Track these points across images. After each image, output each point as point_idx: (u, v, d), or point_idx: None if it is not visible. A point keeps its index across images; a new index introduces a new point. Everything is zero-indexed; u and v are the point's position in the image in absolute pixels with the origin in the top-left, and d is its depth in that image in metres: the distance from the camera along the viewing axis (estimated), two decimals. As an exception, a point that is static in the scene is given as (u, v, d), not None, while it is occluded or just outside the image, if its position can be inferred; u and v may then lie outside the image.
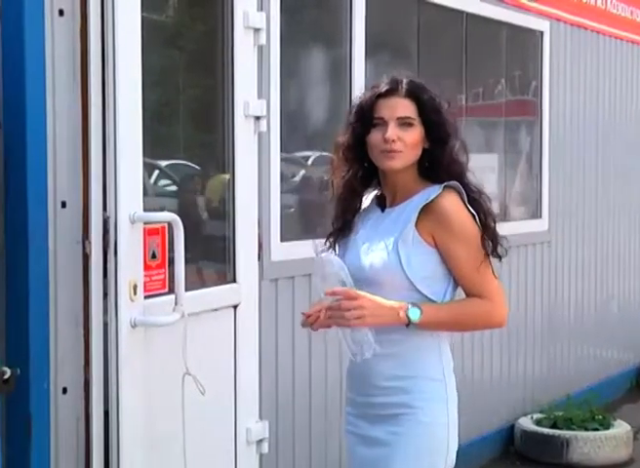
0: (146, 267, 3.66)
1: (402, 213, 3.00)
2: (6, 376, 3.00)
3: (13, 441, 3.31)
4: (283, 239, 4.64)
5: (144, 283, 3.64)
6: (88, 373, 3.52)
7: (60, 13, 3.40)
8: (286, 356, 4.67)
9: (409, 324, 2.92)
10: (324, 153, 5.36)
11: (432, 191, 2.96)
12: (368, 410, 3.05)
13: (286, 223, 4.69)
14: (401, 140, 2.96)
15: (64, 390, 3.47)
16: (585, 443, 6.19)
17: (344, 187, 3.11)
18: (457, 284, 3.02)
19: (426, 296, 2.96)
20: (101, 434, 3.55)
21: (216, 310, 4.06)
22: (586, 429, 6.28)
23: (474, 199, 2.99)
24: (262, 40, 4.25)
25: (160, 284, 3.75)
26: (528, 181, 6.88)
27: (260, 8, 4.29)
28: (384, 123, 2.98)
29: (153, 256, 3.72)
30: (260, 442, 4.29)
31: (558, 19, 6.90)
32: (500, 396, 6.42)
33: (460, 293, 3.04)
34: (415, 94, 3.00)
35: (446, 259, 2.97)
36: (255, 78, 4.24)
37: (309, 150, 5.37)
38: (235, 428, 4.16)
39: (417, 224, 2.95)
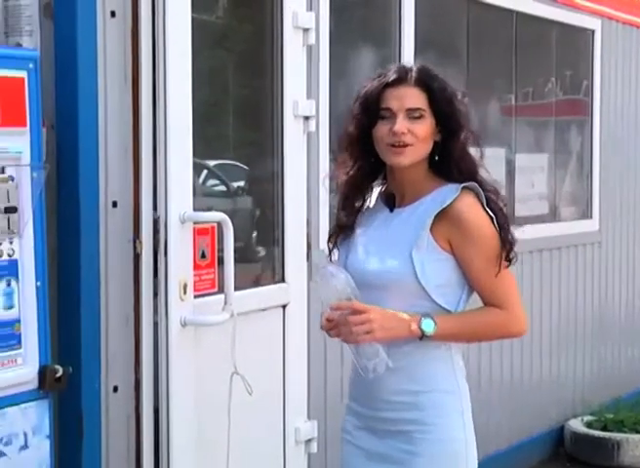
0: (196, 267, 3.68)
1: (413, 214, 2.78)
2: (58, 375, 3.03)
3: (65, 438, 3.34)
4: (332, 239, 4.62)
5: (194, 282, 3.66)
6: (138, 372, 3.55)
7: (112, 14, 3.43)
8: (334, 355, 4.66)
9: (422, 337, 2.71)
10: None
11: (448, 193, 2.74)
12: (376, 425, 2.84)
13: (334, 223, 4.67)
14: (411, 133, 2.73)
15: (115, 389, 3.50)
16: (637, 446, 6.13)
17: (348, 184, 2.88)
18: (471, 291, 2.82)
19: (440, 305, 2.75)
20: (152, 432, 3.58)
21: (264, 310, 4.07)
22: (638, 432, 6.22)
23: (491, 199, 2.77)
24: (312, 40, 4.25)
25: (209, 283, 3.77)
26: (578, 181, 6.83)
27: (310, 8, 4.29)
28: (392, 114, 2.75)
29: (203, 256, 3.74)
30: (308, 441, 4.30)
31: (610, 18, 6.84)
32: (550, 397, 6.37)
33: (476, 301, 2.86)
34: (425, 82, 2.77)
35: (462, 266, 2.76)
36: (304, 78, 4.24)
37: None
38: (284, 428, 4.17)
39: (431, 228, 2.74)
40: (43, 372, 2.99)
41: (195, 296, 3.67)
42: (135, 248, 3.53)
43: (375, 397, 2.82)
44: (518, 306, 2.82)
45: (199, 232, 3.70)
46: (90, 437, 3.41)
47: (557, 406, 6.45)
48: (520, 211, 5.96)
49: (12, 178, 2.90)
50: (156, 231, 3.55)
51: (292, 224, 4.20)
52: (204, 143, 3.97)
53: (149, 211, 3.53)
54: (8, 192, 2.89)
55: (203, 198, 4.51)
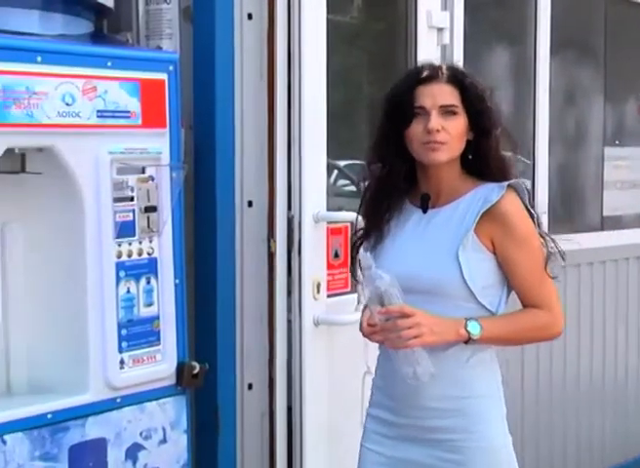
0: (329, 266, 3.70)
1: (454, 214, 2.69)
2: (195, 371, 3.08)
3: (201, 434, 3.39)
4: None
5: (327, 282, 3.68)
6: (272, 370, 3.58)
7: (249, 16, 3.47)
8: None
9: (468, 340, 2.61)
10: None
11: (492, 191, 2.65)
12: (415, 433, 2.71)
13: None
14: (445, 131, 2.65)
15: (250, 386, 3.54)
16: None
17: (378, 186, 2.79)
18: (509, 291, 2.73)
19: (484, 306, 2.66)
20: (285, 430, 3.61)
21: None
22: None
23: (530, 199, 2.71)
24: (446, 39, 4.24)
25: (342, 283, 3.79)
26: None
27: (444, 7, 4.28)
28: (426, 112, 2.66)
29: (336, 256, 3.75)
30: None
31: None
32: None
33: (515, 303, 2.76)
34: (457, 79, 2.69)
35: (504, 266, 2.67)
36: (438, 78, 4.22)
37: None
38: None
39: (475, 227, 2.64)
40: (180, 369, 3.04)
41: (328, 296, 3.68)
42: (269, 247, 3.56)
43: (413, 404, 2.70)
44: (559, 307, 2.74)
45: (332, 232, 3.72)
46: (225, 433, 3.46)
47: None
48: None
49: (152, 178, 2.96)
50: (290, 230, 3.58)
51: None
52: (335, 143, 3.99)
53: (284, 210, 3.57)
54: (148, 192, 2.95)
55: (334, 198, 4.53)
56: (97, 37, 3.17)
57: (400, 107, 2.69)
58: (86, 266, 2.80)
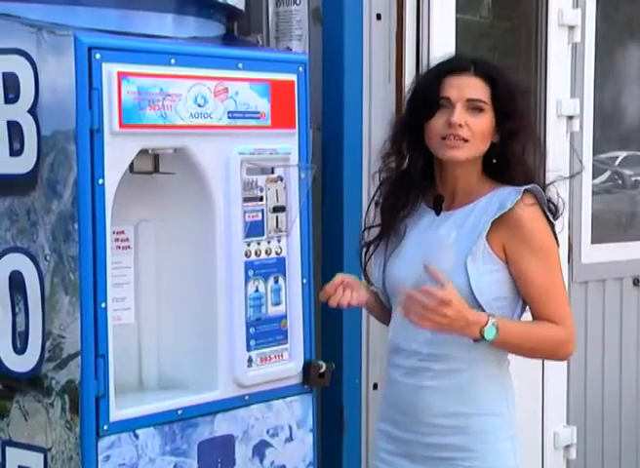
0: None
1: (467, 218, 2.52)
2: (322, 370, 3.08)
3: (326, 433, 3.41)
4: (594, 241, 4.53)
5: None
6: (397, 371, 3.57)
7: (378, 17, 3.48)
8: (595, 360, 4.55)
9: (478, 339, 2.44)
10: (638, 153, 5.20)
11: (508, 196, 2.47)
12: (416, 450, 2.58)
13: (596, 225, 4.57)
14: (468, 127, 2.47)
15: (375, 386, 3.54)
16: None
17: (393, 182, 2.65)
18: (524, 307, 2.55)
19: None
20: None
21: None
22: None
23: (552, 206, 2.53)
24: (577, 38, 4.18)
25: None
26: None
27: (576, 4, 4.21)
28: (451, 105, 2.48)
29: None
30: (567, 447, 4.22)
31: None
32: None
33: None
34: (490, 74, 2.51)
35: (516, 276, 2.49)
36: (568, 77, 4.17)
37: (621, 150, 5.22)
38: (542, 432, 4.11)
39: (487, 234, 2.47)
40: (307, 368, 3.06)
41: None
42: (396, 247, 3.55)
43: (418, 420, 2.57)
44: (572, 325, 2.54)
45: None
46: (350, 433, 3.47)
47: None
48: None
49: (281, 179, 2.98)
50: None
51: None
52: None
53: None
54: (277, 192, 2.97)
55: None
56: (228, 39, 3.22)
57: (425, 97, 2.52)
58: (215, 265, 2.84)
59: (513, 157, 2.54)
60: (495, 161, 2.56)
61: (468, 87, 2.50)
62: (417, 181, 2.61)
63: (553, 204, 2.56)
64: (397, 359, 2.63)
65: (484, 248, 2.48)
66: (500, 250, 2.49)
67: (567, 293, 2.61)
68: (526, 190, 2.49)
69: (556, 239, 2.56)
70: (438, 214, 2.60)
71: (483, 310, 2.46)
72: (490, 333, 2.42)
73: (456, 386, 2.53)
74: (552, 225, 2.53)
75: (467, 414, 2.53)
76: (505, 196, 2.49)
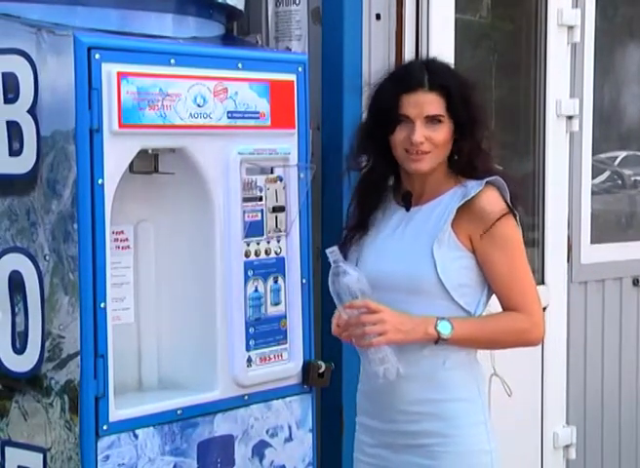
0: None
1: (433, 212, 2.65)
2: (321, 370, 3.09)
3: (325, 433, 3.41)
4: (593, 241, 4.53)
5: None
6: (397, 371, 3.57)
7: (377, 17, 3.48)
8: (594, 360, 4.55)
9: (438, 340, 2.55)
10: (637, 153, 5.20)
11: (470, 188, 2.62)
12: (394, 440, 2.68)
13: (596, 225, 4.58)
14: (429, 141, 2.61)
15: (375, 386, 3.54)
16: None
17: (362, 180, 2.79)
18: (490, 294, 2.66)
19: (461, 306, 2.61)
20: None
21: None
22: None
23: (514, 195, 2.64)
24: (576, 37, 4.18)
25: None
26: None
27: (575, 4, 4.22)
28: (410, 121, 2.62)
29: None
30: (566, 447, 4.22)
31: None
32: None
33: (495, 306, 2.69)
34: (442, 85, 2.62)
35: (482, 265, 2.61)
36: (567, 77, 4.17)
37: (621, 150, 5.23)
38: (542, 432, 4.11)
39: (453, 224, 2.60)
40: (307, 368, 3.06)
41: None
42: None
43: (390, 408, 2.67)
44: (539, 311, 2.66)
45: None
46: (350, 433, 3.45)
47: None
48: None
49: (280, 179, 2.98)
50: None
51: (552, 226, 4.14)
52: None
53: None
54: (276, 192, 2.97)
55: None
56: (227, 39, 3.22)
57: (384, 113, 2.65)
58: (215, 265, 2.84)
59: (471, 151, 2.67)
60: (456, 157, 2.69)
61: (425, 103, 2.62)
62: (382, 184, 2.77)
63: (514, 194, 2.65)
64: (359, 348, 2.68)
65: (449, 235, 2.61)
66: (467, 239, 2.62)
67: (533, 281, 2.68)
68: (488, 182, 2.62)
69: (522, 229, 2.66)
70: (408, 209, 2.72)
71: (450, 297, 2.59)
72: (445, 328, 2.54)
73: (427, 373, 2.63)
74: (515, 215, 2.63)
75: (439, 400, 2.63)
76: (469, 188, 2.62)
